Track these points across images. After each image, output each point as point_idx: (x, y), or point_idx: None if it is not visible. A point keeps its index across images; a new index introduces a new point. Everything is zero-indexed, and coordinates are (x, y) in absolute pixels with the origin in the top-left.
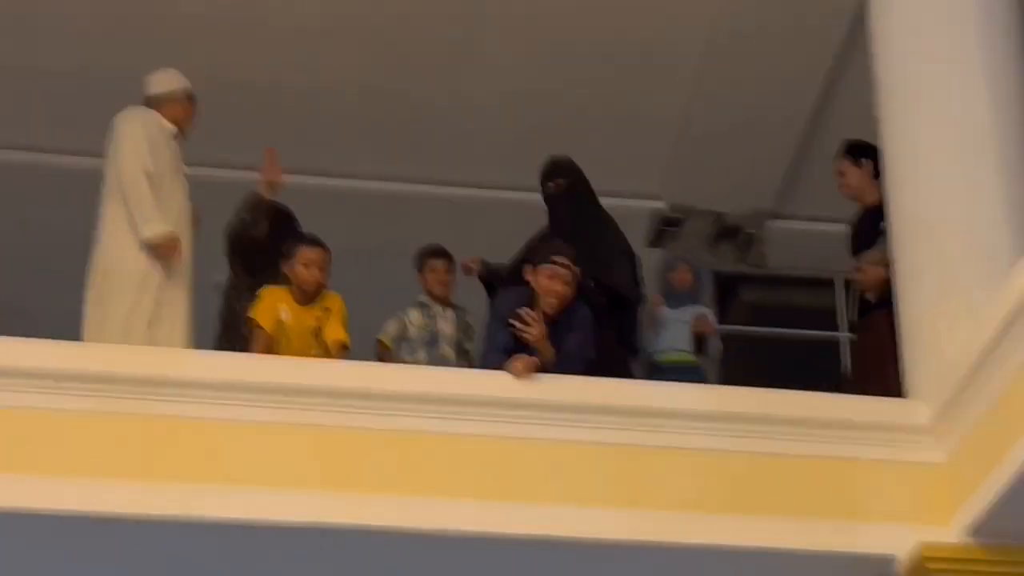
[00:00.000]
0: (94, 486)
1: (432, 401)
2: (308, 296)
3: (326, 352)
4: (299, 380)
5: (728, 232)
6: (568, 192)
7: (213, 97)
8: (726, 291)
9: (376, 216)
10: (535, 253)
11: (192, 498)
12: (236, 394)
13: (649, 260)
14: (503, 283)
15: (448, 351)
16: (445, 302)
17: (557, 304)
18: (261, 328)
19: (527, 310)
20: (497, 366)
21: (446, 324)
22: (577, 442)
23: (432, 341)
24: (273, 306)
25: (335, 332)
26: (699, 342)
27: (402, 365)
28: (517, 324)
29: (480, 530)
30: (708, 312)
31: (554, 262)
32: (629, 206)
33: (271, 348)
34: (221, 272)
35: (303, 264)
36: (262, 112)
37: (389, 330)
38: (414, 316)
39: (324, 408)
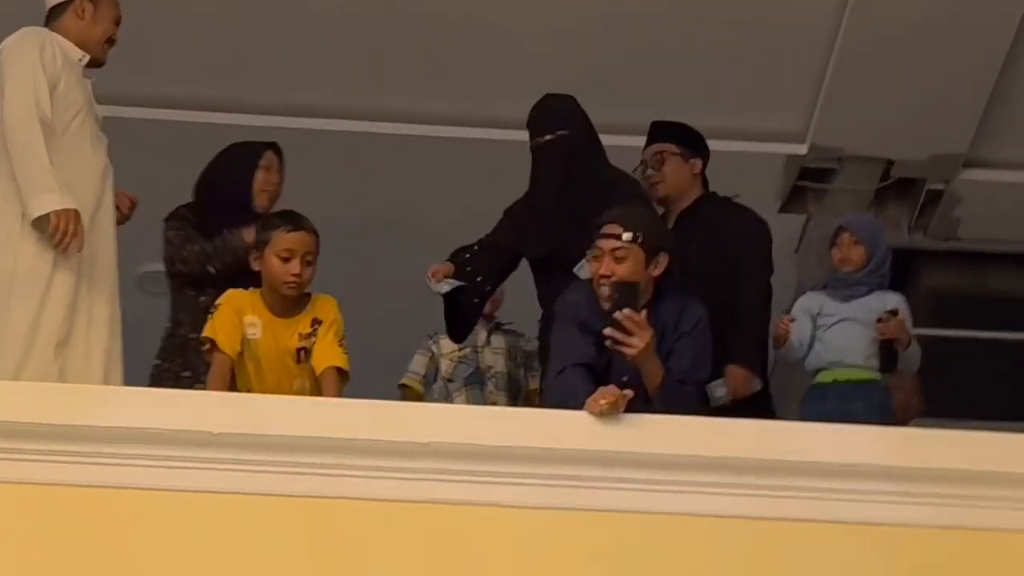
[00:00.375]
0: None
1: (475, 457)
2: (288, 303)
3: (316, 385)
4: (278, 429)
5: (901, 188)
6: (567, 146)
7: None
8: (901, 273)
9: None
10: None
11: None
12: (185, 451)
13: (784, 230)
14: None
15: (497, 394)
16: (490, 321)
17: (608, 295)
18: (219, 351)
19: (628, 311)
20: (568, 401)
21: (494, 354)
22: (689, 516)
23: (475, 378)
24: (236, 319)
25: (328, 354)
26: (885, 352)
27: (432, 406)
28: (613, 334)
29: None
30: (900, 302)
31: (603, 235)
32: (754, 152)
33: (232, 380)
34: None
35: (279, 255)
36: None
37: (415, 368)
38: (447, 344)
39: (315, 471)
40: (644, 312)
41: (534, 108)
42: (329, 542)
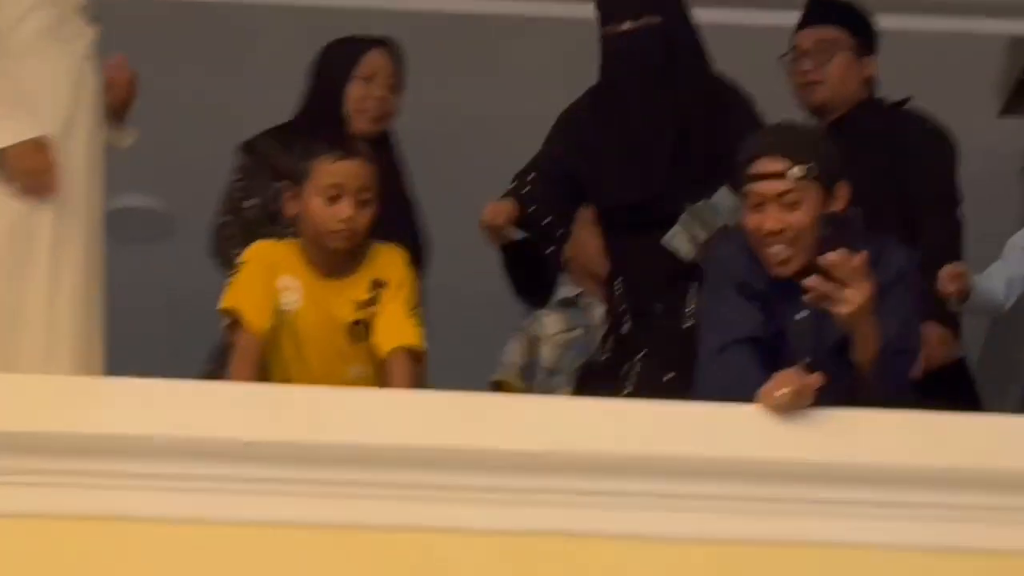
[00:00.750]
0: None
1: (610, 471)
2: (338, 258)
3: (379, 369)
4: (332, 436)
5: None
6: (659, 39)
7: None
8: None
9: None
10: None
11: None
12: (202, 467)
13: (1006, 140)
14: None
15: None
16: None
17: (784, 257)
18: (245, 328)
19: (841, 253)
20: (733, 391)
21: None
22: (885, 547)
23: None
24: (268, 281)
25: (397, 329)
26: None
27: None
28: (821, 285)
29: None
30: None
31: (759, 175)
32: (962, 32)
33: (263, 362)
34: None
35: (324, 194)
36: None
37: (511, 359)
38: (552, 323)
39: (380, 492)
40: (864, 255)
41: None
42: None
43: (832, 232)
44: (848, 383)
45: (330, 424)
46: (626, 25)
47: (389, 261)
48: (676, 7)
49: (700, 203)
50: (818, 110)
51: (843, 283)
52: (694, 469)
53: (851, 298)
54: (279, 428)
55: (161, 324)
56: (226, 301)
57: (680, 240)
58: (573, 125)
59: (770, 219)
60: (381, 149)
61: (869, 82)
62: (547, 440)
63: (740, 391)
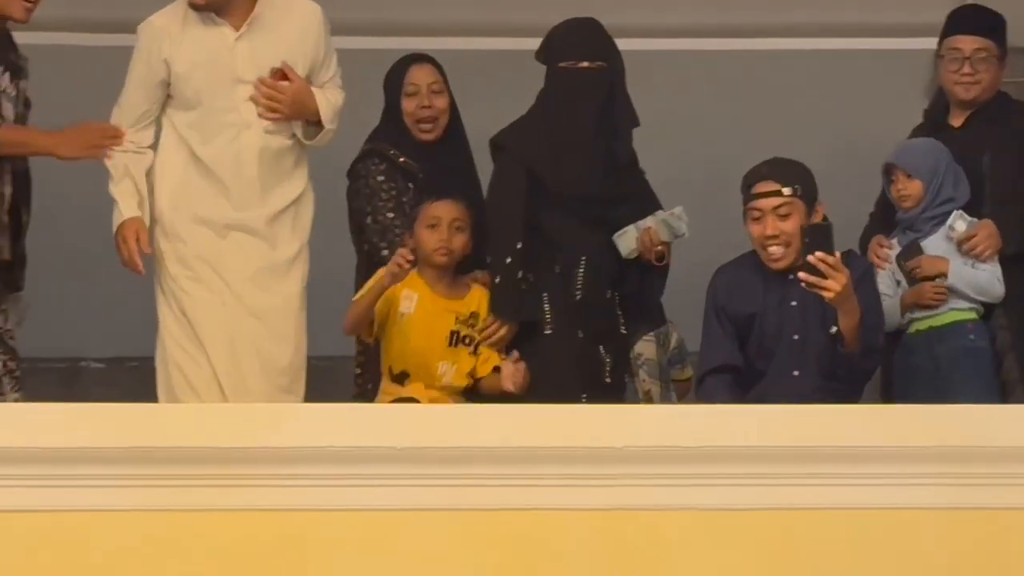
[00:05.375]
0: None
1: (670, 460)
2: (447, 280)
3: (465, 373)
4: (445, 439)
5: None
6: (604, 76)
7: None
8: None
9: None
10: None
11: None
12: (365, 468)
13: None
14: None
15: (651, 383)
16: None
17: (779, 256)
18: (363, 305)
19: (821, 253)
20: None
21: (645, 342)
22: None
23: None
24: (396, 290)
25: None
26: None
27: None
28: (808, 278)
29: None
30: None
31: (759, 194)
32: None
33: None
34: None
35: (428, 225)
36: None
37: None
38: None
39: (492, 482)
40: (838, 254)
41: (571, 28)
42: (511, 554)
43: (811, 238)
44: (828, 353)
45: (469, 432)
46: (583, 64)
47: (484, 300)
48: (617, 59)
49: (667, 213)
50: (966, 103)
51: (824, 275)
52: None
53: (833, 286)
54: (419, 437)
55: None
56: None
57: (627, 239)
58: (530, 137)
59: (769, 227)
60: (451, 151)
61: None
62: (626, 437)
63: None
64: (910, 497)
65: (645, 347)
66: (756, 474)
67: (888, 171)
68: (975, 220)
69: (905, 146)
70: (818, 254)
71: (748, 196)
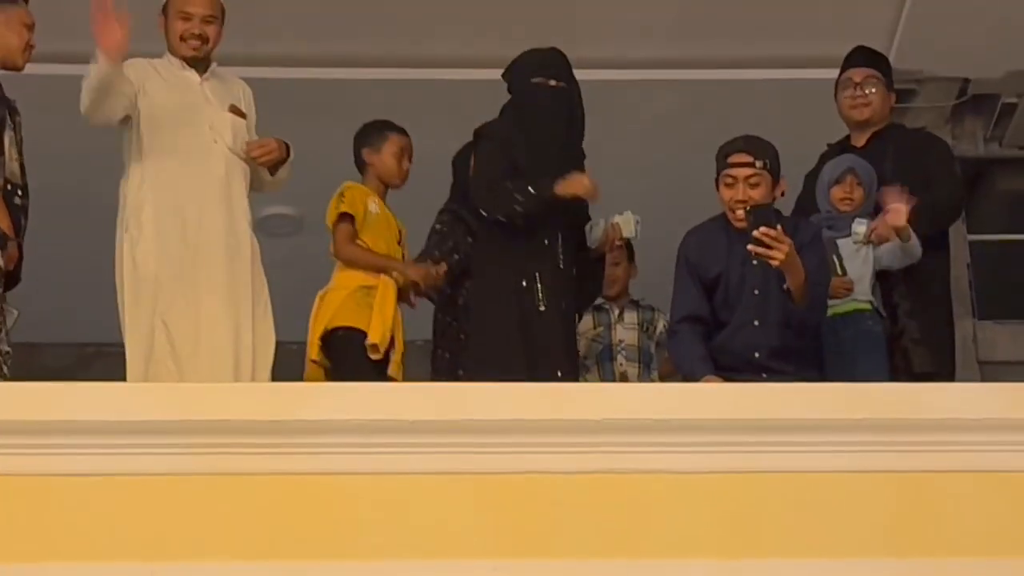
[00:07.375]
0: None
1: (646, 430)
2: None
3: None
4: (449, 413)
5: (977, 103)
6: (568, 94)
7: None
8: (976, 180)
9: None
10: None
11: None
12: (387, 438)
13: None
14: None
15: (627, 365)
16: (621, 299)
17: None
18: (351, 221)
19: (765, 228)
20: (683, 368)
21: (626, 329)
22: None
23: (606, 354)
24: (363, 199)
25: None
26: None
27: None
28: (756, 250)
29: None
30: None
31: (735, 163)
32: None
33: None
34: None
35: (394, 154)
36: None
37: None
38: (583, 325)
39: (492, 450)
40: (780, 227)
41: (540, 51)
42: (508, 511)
43: (756, 216)
44: (784, 306)
45: (472, 407)
46: (552, 83)
47: None
48: (576, 85)
49: (627, 213)
50: (861, 124)
51: (770, 246)
52: (704, 427)
53: (776, 255)
54: (437, 411)
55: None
56: (341, 207)
57: (597, 231)
58: (510, 132)
59: (740, 193)
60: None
61: (889, 112)
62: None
63: (687, 368)
64: (852, 462)
65: (626, 334)
66: (720, 443)
67: (841, 176)
68: (868, 221)
69: (852, 159)
70: (762, 229)
71: (724, 164)
